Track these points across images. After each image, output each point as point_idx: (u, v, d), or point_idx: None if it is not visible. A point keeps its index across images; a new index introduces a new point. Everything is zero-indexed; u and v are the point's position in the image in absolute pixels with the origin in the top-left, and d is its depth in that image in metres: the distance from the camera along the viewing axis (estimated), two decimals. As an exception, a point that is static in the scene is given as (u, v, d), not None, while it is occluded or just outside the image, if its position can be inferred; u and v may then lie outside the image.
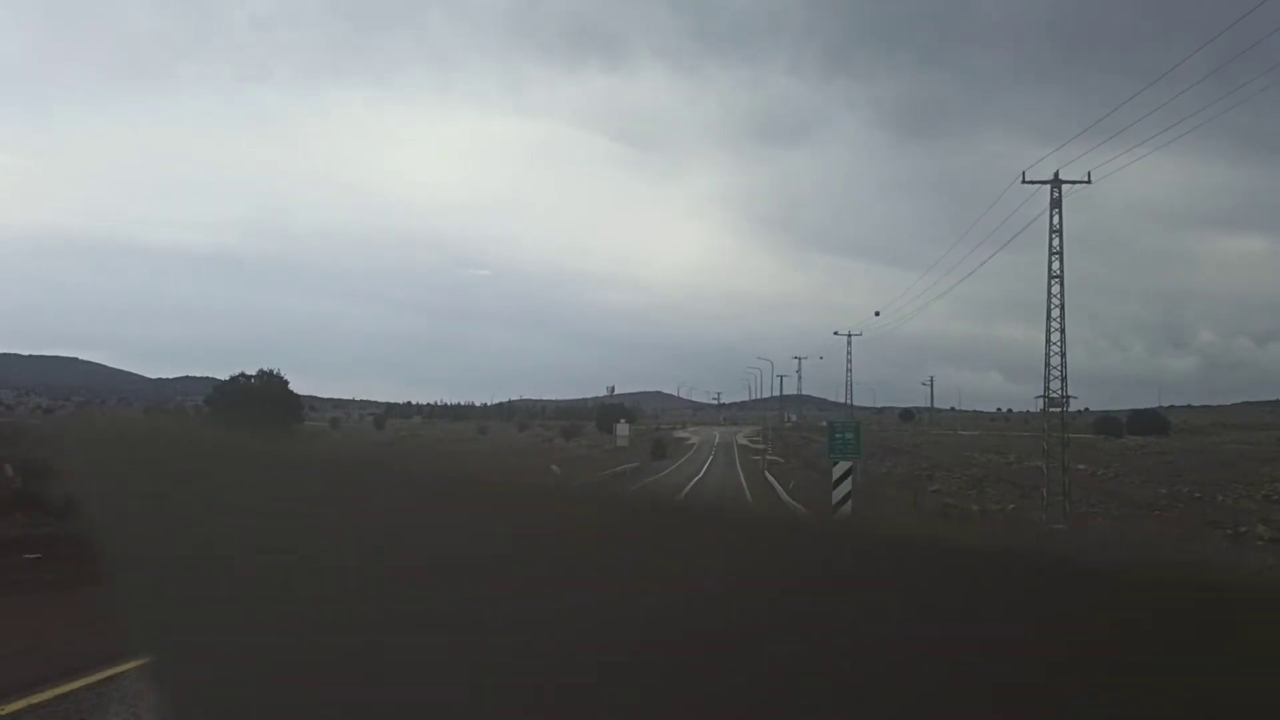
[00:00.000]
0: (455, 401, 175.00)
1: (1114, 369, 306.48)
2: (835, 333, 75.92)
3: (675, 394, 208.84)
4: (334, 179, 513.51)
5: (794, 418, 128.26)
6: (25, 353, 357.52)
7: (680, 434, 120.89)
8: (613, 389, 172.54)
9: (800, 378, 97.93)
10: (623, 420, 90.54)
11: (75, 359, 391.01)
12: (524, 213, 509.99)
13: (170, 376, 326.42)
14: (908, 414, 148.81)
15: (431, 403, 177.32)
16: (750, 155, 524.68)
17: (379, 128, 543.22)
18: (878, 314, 70.12)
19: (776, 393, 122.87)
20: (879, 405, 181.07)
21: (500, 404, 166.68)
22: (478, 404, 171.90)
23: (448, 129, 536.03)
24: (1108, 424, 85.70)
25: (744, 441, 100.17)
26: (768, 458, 63.20)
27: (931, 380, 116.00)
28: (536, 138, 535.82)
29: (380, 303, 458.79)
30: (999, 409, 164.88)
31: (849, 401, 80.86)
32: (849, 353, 75.82)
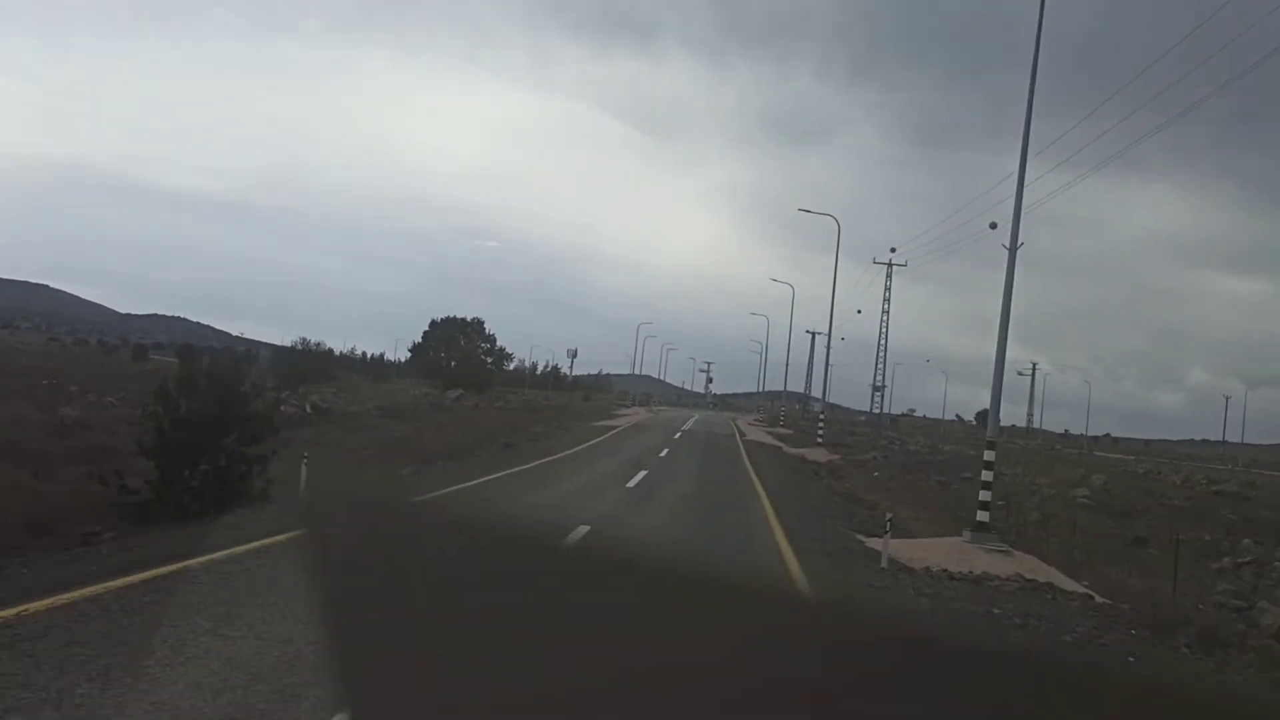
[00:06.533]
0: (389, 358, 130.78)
1: (1106, 399, 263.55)
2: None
3: (658, 377, 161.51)
4: (351, 137, 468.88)
5: (817, 406, 79.18)
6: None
7: (623, 410, 70.70)
8: (574, 352, 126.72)
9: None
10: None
11: (45, 285, 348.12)
12: (537, 189, 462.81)
13: (139, 312, 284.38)
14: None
15: (347, 353, 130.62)
16: (764, 152, 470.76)
17: (401, 91, 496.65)
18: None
19: (775, 384, 73.61)
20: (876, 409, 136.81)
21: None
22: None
23: (469, 99, 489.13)
24: None
25: (764, 437, 49.91)
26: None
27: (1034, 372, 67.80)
28: (557, 116, 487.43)
29: (385, 264, 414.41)
30: (957, 416, 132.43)
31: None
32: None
